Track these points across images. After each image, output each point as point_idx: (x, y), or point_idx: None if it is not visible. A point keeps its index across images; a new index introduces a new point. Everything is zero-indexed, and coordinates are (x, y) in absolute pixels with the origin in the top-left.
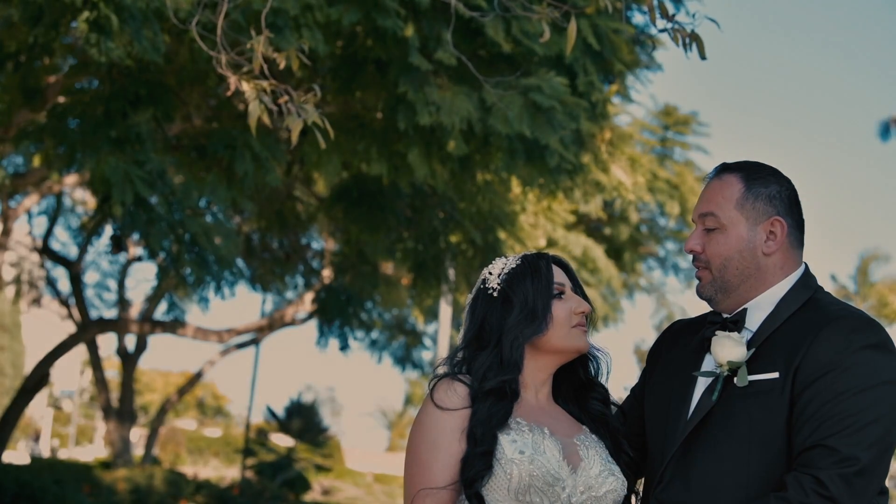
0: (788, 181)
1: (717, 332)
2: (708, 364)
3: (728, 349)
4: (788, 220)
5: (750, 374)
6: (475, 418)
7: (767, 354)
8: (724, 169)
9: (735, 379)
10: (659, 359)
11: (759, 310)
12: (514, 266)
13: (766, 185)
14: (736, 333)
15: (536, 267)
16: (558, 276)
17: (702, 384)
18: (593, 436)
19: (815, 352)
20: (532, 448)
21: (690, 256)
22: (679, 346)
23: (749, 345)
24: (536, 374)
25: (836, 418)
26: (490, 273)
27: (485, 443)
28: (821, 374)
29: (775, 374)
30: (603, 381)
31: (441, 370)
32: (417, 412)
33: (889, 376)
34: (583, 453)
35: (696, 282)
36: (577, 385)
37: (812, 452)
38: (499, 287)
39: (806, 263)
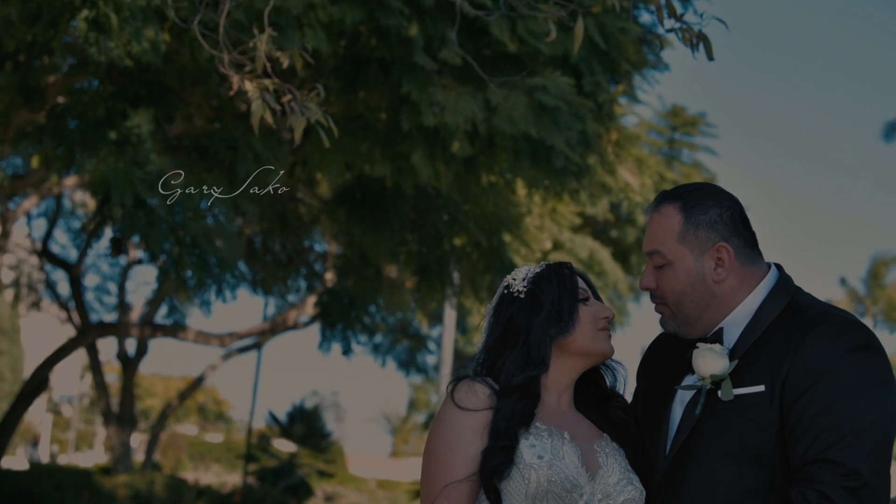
0: (730, 199)
1: (699, 345)
2: (691, 377)
3: (710, 362)
4: (734, 241)
5: (734, 387)
6: (499, 414)
7: (750, 366)
8: (663, 199)
9: (719, 393)
10: (645, 375)
11: (735, 326)
12: (538, 271)
13: (704, 212)
14: (718, 345)
15: (561, 273)
16: (580, 283)
17: (687, 398)
18: (613, 443)
19: (801, 361)
20: (551, 453)
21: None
22: (663, 360)
23: (730, 355)
24: (560, 378)
25: (831, 429)
26: (514, 279)
27: (507, 438)
28: (810, 385)
29: (761, 388)
30: (620, 392)
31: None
32: (437, 413)
33: (877, 378)
34: (602, 460)
35: None
36: (598, 394)
37: (813, 467)
38: (525, 289)
39: (778, 266)
